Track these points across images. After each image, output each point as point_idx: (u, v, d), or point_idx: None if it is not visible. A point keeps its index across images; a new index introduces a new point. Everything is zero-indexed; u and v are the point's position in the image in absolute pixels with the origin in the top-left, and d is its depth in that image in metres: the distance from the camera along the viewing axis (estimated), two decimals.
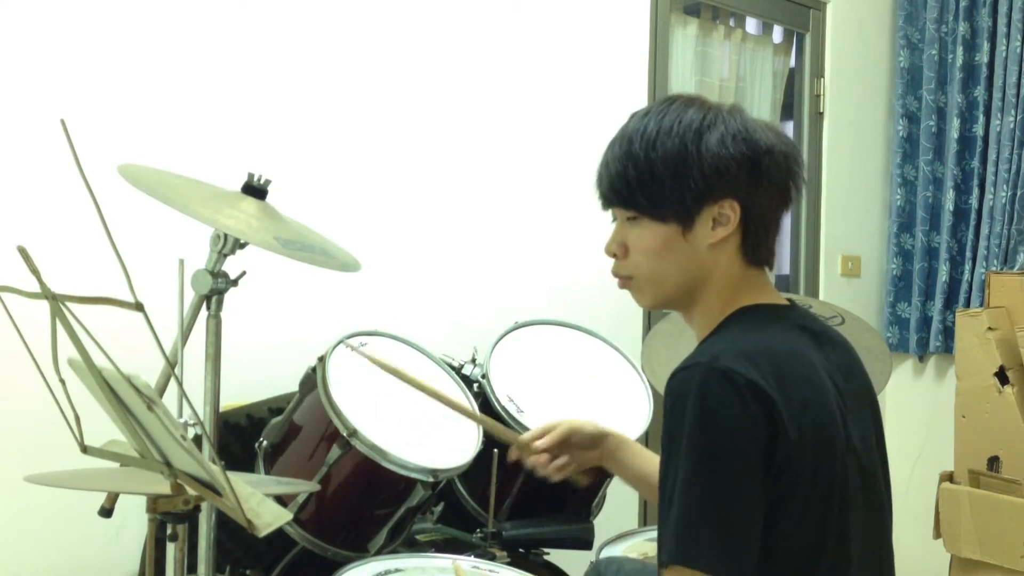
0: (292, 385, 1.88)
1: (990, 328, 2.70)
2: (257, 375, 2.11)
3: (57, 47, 1.96)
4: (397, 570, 1.63)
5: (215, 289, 1.53)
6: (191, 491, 1.17)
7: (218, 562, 1.61)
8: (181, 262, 1.50)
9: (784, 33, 3.65)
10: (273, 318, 2.22)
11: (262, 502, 1.10)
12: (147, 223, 1.90)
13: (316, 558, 1.77)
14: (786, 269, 3.67)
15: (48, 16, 1.95)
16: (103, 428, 1.20)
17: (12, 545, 1.92)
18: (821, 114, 3.65)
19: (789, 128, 3.62)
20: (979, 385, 2.71)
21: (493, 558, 1.81)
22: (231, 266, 1.55)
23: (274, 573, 1.86)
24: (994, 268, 3.40)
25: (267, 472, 1.82)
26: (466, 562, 1.68)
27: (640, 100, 2.99)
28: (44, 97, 1.94)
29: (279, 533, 1.59)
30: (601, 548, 1.88)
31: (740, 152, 1.15)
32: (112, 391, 1.07)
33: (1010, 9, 3.43)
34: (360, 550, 1.78)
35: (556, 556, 2.02)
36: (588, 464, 1.54)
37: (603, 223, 1.28)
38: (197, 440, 1.43)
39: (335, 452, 1.71)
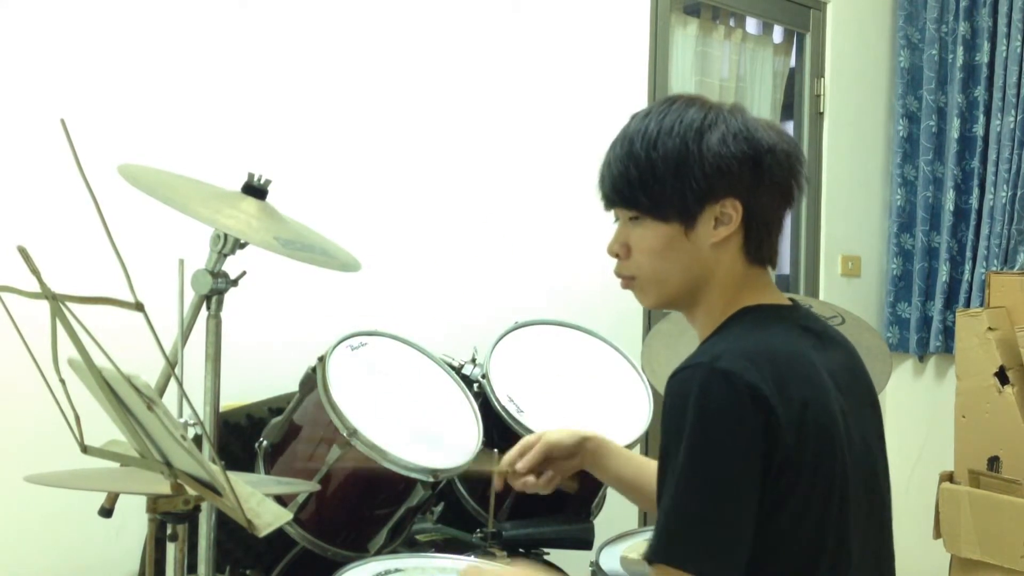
0: (292, 385, 1.88)
1: (990, 328, 2.70)
2: (257, 375, 2.11)
3: (57, 47, 1.96)
4: (397, 570, 1.63)
5: (215, 289, 1.53)
6: (191, 491, 1.17)
7: (218, 562, 1.60)
8: (181, 262, 1.50)
9: (784, 33, 3.65)
10: (273, 318, 2.22)
11: (262, 502, 1.09)
12: (147, 223, 1.90)
13: (316, 558, 1.77)
14: (786, 269, 3.67)
15: (48, 16, 1.95)
16: (103, 428, 1.20)
17: (12, 545, 1.92)
18: (821, 114, 3.65)
19: (789, 128, 3.62)
20: (979, 385, 2.71)
21: (493, 558, 1.81)
22: (231, 266, 1.55)
23: (274, 573, 1.86)
24: (994, 268, 3.40)
25: (267, 472, 1.82)
26: (466, 562, 1.68)
27: (640, 100, 2.99)
28: (44, 97, 1.94)
29: (279, 533, 1.59)
30: (601, 548, 1.88)
31: (741, 151, 1.15)
32: (112, 391, 1.07)
33: (1010, 9, 3.43)
34: (360, 550, 1.78)
35: (556, 556, 2.02)
36: (572, 471, 1.55)
37: (603, 223, 1.28)
38: (197, 440, 1.43)
39: (335, 452, 1.71)
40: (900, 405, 3.73)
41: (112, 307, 0.93)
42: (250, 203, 1.57)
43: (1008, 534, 2.60)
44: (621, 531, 1.97)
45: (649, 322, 2.98)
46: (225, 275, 1.54)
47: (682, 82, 3.24)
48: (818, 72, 3.65)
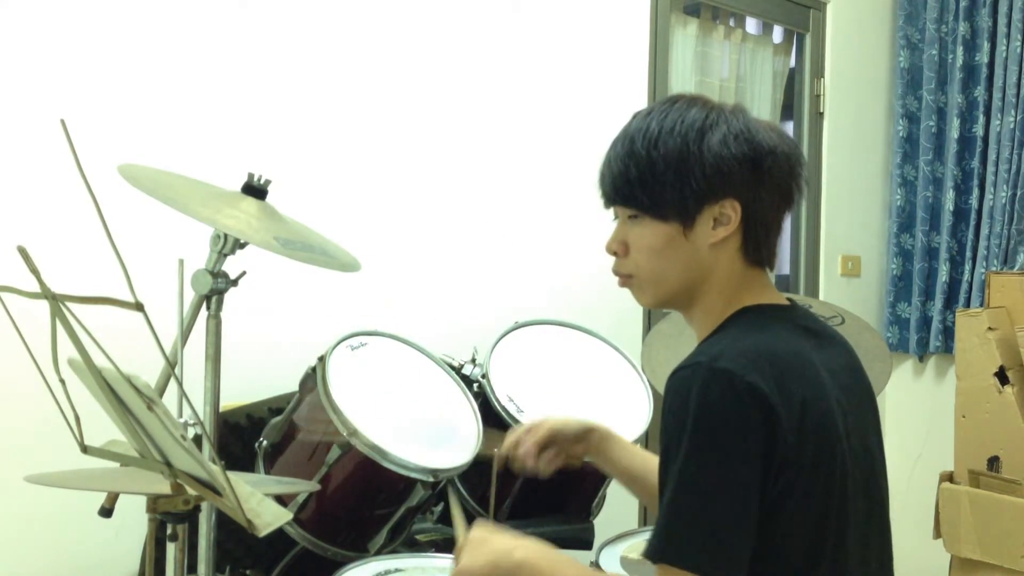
0: (292, 385, 1.88)
1: (990, 328, 2.70)
2: (257, 375, 2.11)
3: (57, 47, 1.96)
4: (397, 570, 1.63)
5: (215, 289, 1.53)
6: (191, 491, 1.17)
7: (218, 562, 1.61)
8: (181, 262, 1.50)
9: (784, 33, 3.65)
10: (273, 318, 2.22)
11: (262, 502, 1.10)
12: (147, 223, 1.90)
13: (316, 558, 1.77)
14: (786, 269, 3.67)
15: (48, 16, 1.95)
16: (103, 428, 1.20)
17: (12, 545, 1.92)
18: (821, 114, 3.65)
19: (789, 128, 3.63)
20: (979, 385, 2.71)
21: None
22: (231, 266, 1.55)
23: (274, 573, 1.86)
24: (994, 268, 3.40)
25: (267, 472, 1.82)
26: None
27: (640, 100, 2.99)
28: (44, 97, 1.94)
29: (279, 533, 1.59)
30: (601, 548, 1.88)
31: (742, 152, 1.15)
32: (112, 391, 1.07)
33: (1010, 9, 3.43)
34: (360, 550, 1.78)
35: None
36: (577, 456, 1.54)
37: (603, 223, 1.28)
38: (197, 440, 1.43)
39: (335, 452, 1.71)
40: (900, 405, 3.73)
41: (112, 307, 0.93)
42: (250, 203, 1.57)
43: (1008, 534, 2.60)
44: (621, 531, 1.97)
45: (649, 322, 2.98)
46: (225, 275, 1.54)
47: (682, 82, 3.24)
48: (818, 72, 3.65)
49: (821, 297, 3.57)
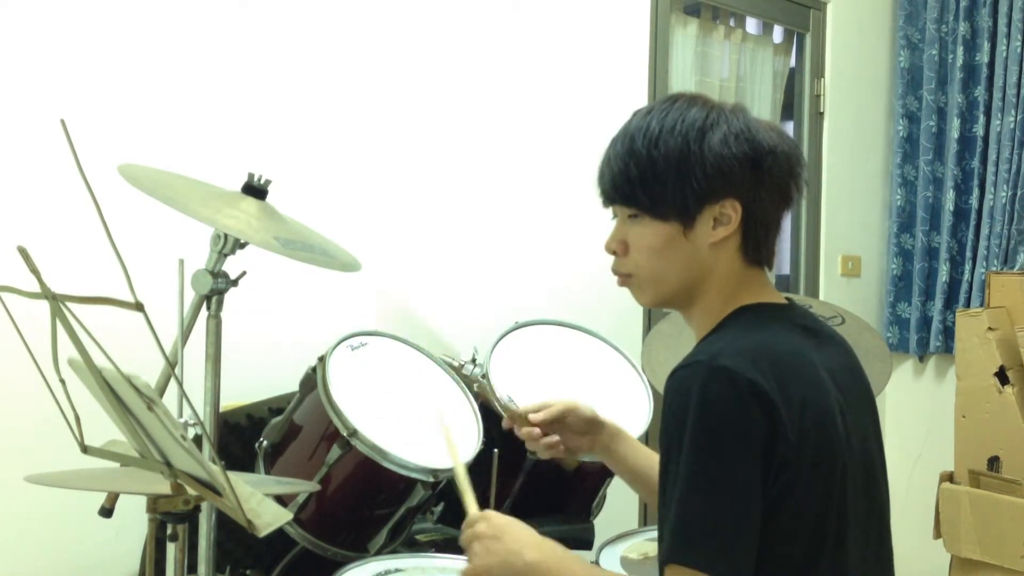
0: (292, 385, 1.88)
1: (990, 328, 2.70)
2: (257, 375, 2.11)
3: (57, 47, 1.96)
4: (397, 570, 1.63)
5: (215, 289, 1.53)
6: (191, 491, 1.17)
7: (218, 562, 1.61)
8: (181, 262, 1.50)
9: (784, 33, 3.65)
10: (273, 318, 2.22)
11: (262, 502, 1.10)
12: (147, 223, 1.90)
13: (316, 558, 1.77)
14: (786, 269, 3.67)
15: (48, 16, 1.95)
16: (103, 428, 1.20)
17: (12, 545, 1.92)
18: (821, 114, 3.65)
19: (789, 128, 3.63)
20: (979, 385, 2.71)
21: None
22: (231, 266, 1.55)
23: (274, 573, 1.86)
24: (994, 268, 3.40)
25: (267, 472, 1.82)
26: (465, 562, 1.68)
27: (640, 100, 2.99)
28: (44, 97, 1.94)
29: (279, 533, 1.59)
30: (601, 548, 1.88)
31: (743, 152, 1.14)
32: (112, 391, 1.07)
33: (1010, 9, 3.43)
34: (360, 550, 1.78)
35: None
36: (579, 450, 1.53)
37: (603, 223, 1.28)
38: (197, 440, 1.43)
39: (335, 452, 1.71)
40: (900, 405, 3.72)
41: (112, 307, 0.93)
42: (250, 203, 1.57)
43: (1008, 534, 2.59)
44: (621, 531, 1.97)
45: (649, 322, 2.98)
46: (225, 275, 1.54)
47: (682, 82, 3.24)
48: (818, 72, 3.65)
49: (821, 297, 3.57)
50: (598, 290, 2.65)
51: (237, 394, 1.97)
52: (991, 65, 3.54)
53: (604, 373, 2.23)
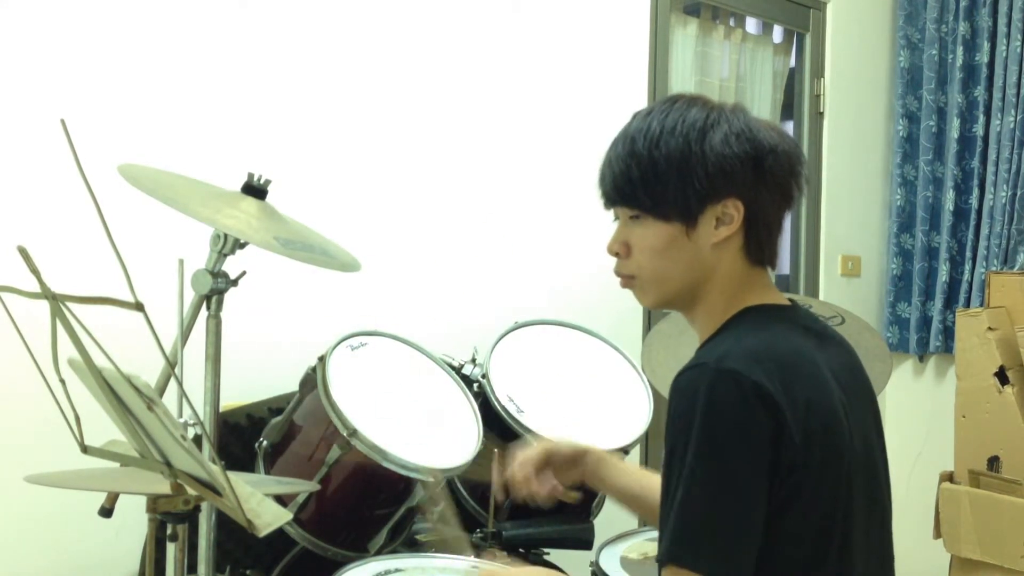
0: (292, 385, 1.88)
1: (990, 328, 2.70)
2: (257, 375, 2.11)
3: (57, 47, 1.96)
4: (397, 570, 1.63)
5: (215, 289, 1.53)
6: (191, 491, 1.17)
7: (218, 562, 1.61)
8: (181, 262, 1.50)
9: (784, 33, 3.65)
10: (273, 318, 2.22)
11: (262, 502, 1.09)
12: (147, 223, 1.90)
13: (316, 558, 1.77)
14: (786, 269, 3.67)
15: (48, 16, 1.95)
16: (103, 428, 1.20)
17: (12, 545, 1.92)
18: (821, 114, 3.65)
19: (789, 128, 3.62)
20: (979, 385, 2.71)
21: (493, 558, 1.81)
22: (231, 266, 1.55)
23: (274, 573, 1.86)
24: (994, 268, 3.40)
25: (267, 472, 1.82)
26: (465, 562, 1.68)
27: (640, 100, 2.99)
28: (44, 97, 1.94)
29: (279, 533, 1.59)
30: (601, 548, 1.88)
31: (744, 151, 1.14)
32: (112, 391, 1.07)
33: (1010, 9, 3.43)
34: (360, 550, 1.78)
35: (556, 556, 2.02)
36: (573, 481, 1.54)
37: (603, 223, 1.28)
38: (197, 440, 1.43)
39: (335, 452, 1.71)
40: (900, 405, 3.72)
41: (112, 307, 0.93)
42: (250, 203, 1.57)
43: (1008, 534, 2.59)
44: (621, 531, 1.97)
45: (649, 322, 2.98)
46: (225, 275, 1.54)
47: (682, 82, 3.24)
48: (818, 72, 3.65)
49: (821, 297, 3.57)
50: (598, 290, 2.65)
51: (237, 394, 1.97)
52: (991, 65, 3.54)
53: (604, 373, 2.23)
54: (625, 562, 1.82)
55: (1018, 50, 3.41)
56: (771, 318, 1.18)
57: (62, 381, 1.10)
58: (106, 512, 1.50)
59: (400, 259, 2.47)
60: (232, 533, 1.84)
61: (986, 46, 3.54)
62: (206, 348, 1.54)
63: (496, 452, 1.83)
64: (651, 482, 1.39)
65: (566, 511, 2.09)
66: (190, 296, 1.54)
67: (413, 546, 1.92)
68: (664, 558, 1.05)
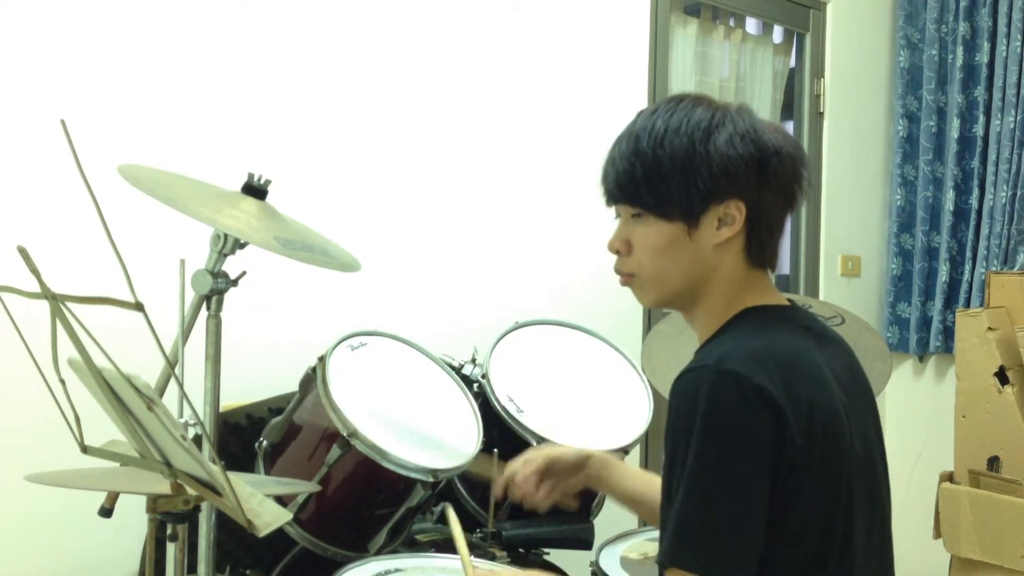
0: (292, 385, 1.88)
1: (990, 328, 2.70)
2: (257, 375, 2.11)
3: (57, 47, 1.96)
4: (397, 570, 1.63)
5: (215, 289, 1.53)
6: (191, 491, 1.17)
7: (218, 562, 1.60)
8: (181, 262, 1.50)
9: (784, 33, 3.65)
10: (273, 318, 2.22)
11: (262, 502, 1.10)
12: (147, 223, 1.90)
13: (316, 558, 1.77)
14: (786, 269, 3.67)
15: (48, 16, 1.95)
16: (103, 428, 1.20)
17: (12, 545, 1.92)
18: (821, 114, 3.65)
19: (789, 128, 3.62)
20: (979, 385, 2.71)
21: (493, 558, 1.81)
22: (231, 266, 1.55)
23: (274, 573, 1.86)
24: (994, 268, 3.40)
25: (267, 472, 1.82)
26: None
27: (640, 100, 2.99)
28: (44, 97, 1.94)
29: (279, 533, 1.59)
30: (601, 548, 1.88)
31: (748, 153, 1.14)
32: (112, 391, 1.07)
33: (1010, 9, 3.43)
34: (360, 550, 1.78)
35: (556, 556, 2.02)
36: (574, 488, 1.54)
37: (604, 223, 1.28)
38: (197, 440, 1.43)
39: (335, 452, 1.71)
40: (900, 405, 3.72)
41: (112, 307, 0.93)
42: (250, 203, 1.57)
43: (1008, 534, 2.60)
44: (621, 531, 1.97)
45: (649, 322, 2.98)
46: (225, 275, 1.54)
47: (682, 82, 3.24)
48: (818, 72, 3.65)
49: (821, 297, 3.57)
50: (598, 290, 2.65)
51: (237, 394, 1.97)
52: (991, 65, 3.54)
53: (604, 373, 2.23)
54: (625, 562, 1.82)
55: (1018, 50, 3.41)
56: (771, 319, 1.18)
57: (62, 381, 1.10)
58: (106, 512, 1.50)
59: (400, 259, 2.47)
60: (232, 533, 1.84)
61: (986, 46, 3.54)
62: (206, 348, 1.54)
63: (496, 452, 1.84)
64: (654, 485, 1.39)
65: (566, 511, 2.09)
66: (190, 296, 1.53)
67: (413, 546, 1.92)
68: (665, 560, 1.05)
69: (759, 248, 1.19)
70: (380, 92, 2.44)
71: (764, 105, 3.53)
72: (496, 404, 1.98)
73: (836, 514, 1.09)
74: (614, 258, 1.24)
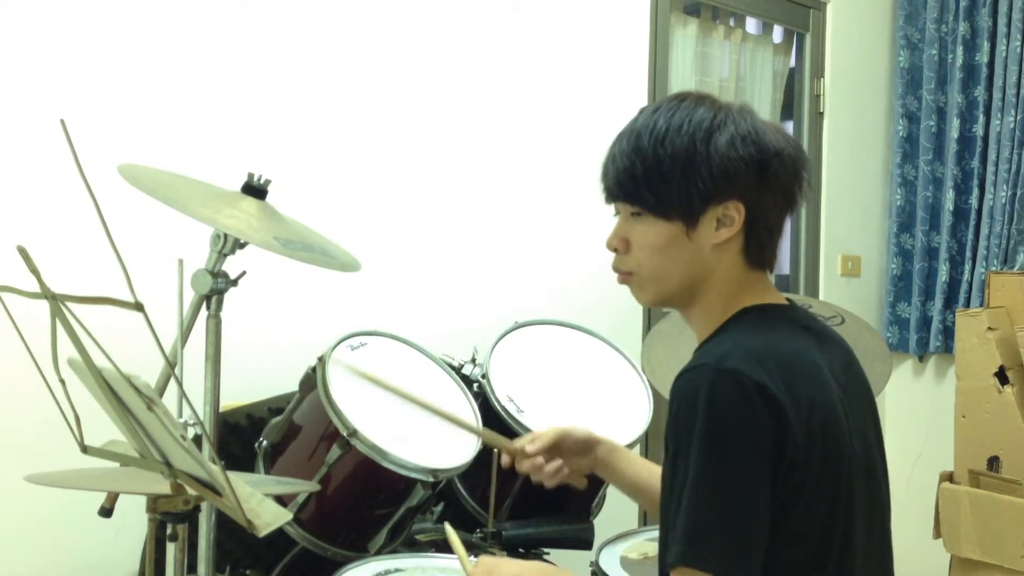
0: (292, 385, 1.88)
1: (990, 328, 2.70)
2: (257, 375, 2.11)
3: (57, 47, 1.96)
4: (397, 570, 1.63)
5: (215, 289, 1.53)
6: (191, 491, 1.17)
7: (218, 562, 1.60)
8: (181, 262, 1.50)
9: (784, 33, 3.65)
10: (273, 318, 2.22)
11: (262, 502, 1.10)
12: (147, 223, 1.90)
13: (316, 558, 1.77)
14: (786, 269, 3.67)
15: (48, 16, 1.95)
16: (103, 428, 1.20)
17: (12, 545, 1.92)
18: (821, 114, 3.65)
19: (789, 128, 3.62)
20: (979, 385, 2.71)
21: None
22: (231, 266, 1.55)
23: (274, 573, 1.86)
24: (994, 268, 3.40)
25: (267, 472, 1.82)
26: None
27: (640, 100, 2.99)
28: (44, 97, 1.94)
29: (279, 533, 1.59)
30: (601, 548, 1.88)
31: (749, 154, 1.14)
32: (112, 391, 1.07)
33: (1010, 9, 3.43)
34: (360, 550, 1.78)
35: (556, 556, 2.02)
36: (582, 471, 1.54)
37: (604, 223, 1.28)
38: (197, 440, 1.43)
39: (335, 452, 1.71)
40: (900, 405, 3.72)
41: (112, 307, 0.93)
42: (250, 203, 1.57)
43: (1008, 534, 2.59)
44: (621, 531, 1.97)
45: (649, 322, 2.98)
46: (225, 275, 1.54)
47: (682, 82, 3.24)
48: (818, 72, 3.65)
49: (821, 297, 3.57)
50: (598, 290, 2.65)
51: (237, 394, 1.97)
52: (991, 65, 3.54)
53: (604, 373, 2.23)
54: (625, 562, 1.82)
55: (1018, 50, 3.41)
56: (770, 318, 1.18)
57: (62, 381, 1.10)
58: (106, 512, 1.50)
59: (400, 259, 2.47)
60: (232, 533, 1.84)
61: (986, 46, 3.54)
62: (206, 348, 1.54)
63: (496, 452, 1.83)
64: (657, 474, 1.38)
65: (566, 511, 2.09)
66: (190, 296, 1.53)
67: (413, 546, 1.92)
68: (674, 560, 1.04)
69: (758, 249, 1.19)
70: (380, 92, 2.44)
71: (764, 105, 3.53)
72: (496, 404, 1.98)
73: (836, 514, 1.09)
74: (614, 258, 1.24)
